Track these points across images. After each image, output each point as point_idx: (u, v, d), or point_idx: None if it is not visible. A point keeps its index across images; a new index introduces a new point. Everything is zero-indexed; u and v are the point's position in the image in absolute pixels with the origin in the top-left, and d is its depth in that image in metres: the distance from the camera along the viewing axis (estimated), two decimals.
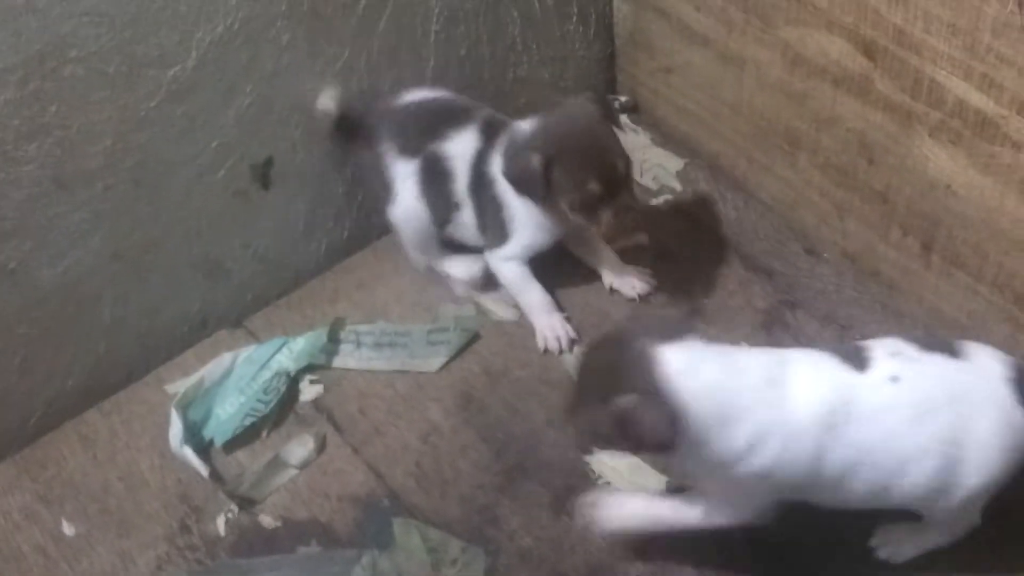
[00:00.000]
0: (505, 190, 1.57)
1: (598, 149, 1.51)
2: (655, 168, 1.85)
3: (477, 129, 1.59)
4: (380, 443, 1.55)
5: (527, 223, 1.60)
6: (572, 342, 1.64)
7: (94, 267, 1.53)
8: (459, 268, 1.69)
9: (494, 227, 1.62)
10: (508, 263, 1.64)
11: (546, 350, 1.63)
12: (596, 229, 1.56)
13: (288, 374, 1.60)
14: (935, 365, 1.24)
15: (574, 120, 1.54)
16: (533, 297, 1.65)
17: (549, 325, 1.64)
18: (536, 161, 1.49)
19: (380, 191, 1.63)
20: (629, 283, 1.68)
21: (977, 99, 1.33)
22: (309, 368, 1.62)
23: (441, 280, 1.71)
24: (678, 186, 1.82)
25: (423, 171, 1.60)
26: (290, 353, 1.62)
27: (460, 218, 1.63)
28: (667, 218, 1.78)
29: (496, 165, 1.57)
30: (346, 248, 1.76)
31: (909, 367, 1.23)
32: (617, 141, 1.53)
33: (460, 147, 1.59)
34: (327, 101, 1.60)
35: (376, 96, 1.64)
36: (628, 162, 1.53)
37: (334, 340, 1.64)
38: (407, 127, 1.60)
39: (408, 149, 1.59)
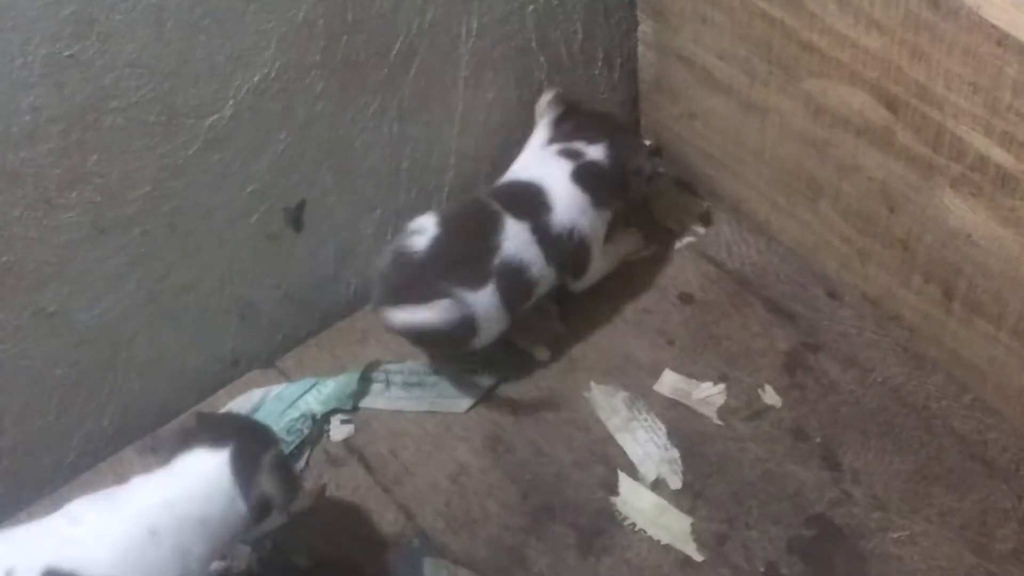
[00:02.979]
0: (581, 219, 1.67)
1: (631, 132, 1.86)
2: (678, 211, 1.88)
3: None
4: (410, 483, 1.58)
5: (598, 234, 1.71)
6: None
7: (130, 310, 1.56)
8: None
9: (579, 264, 1.71)
10: (596, 272, 1.74)
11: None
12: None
13: (314, 416, 1.64)
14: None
15: (609, 116, 1.83)
16: (612, 255, 1.78)
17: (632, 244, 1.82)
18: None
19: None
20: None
21: (998, 155, 1.36)
22: (336, 410, 1.65)
23: None
24: (701, 229, 1.85)
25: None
26: (319, 395, 1.65)
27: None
28: (690, 261, 1.81)
29: (569, 209, 1.66)
30: None
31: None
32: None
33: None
34: (550, 102, 1.73)
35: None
36: None
37: (365, 383, 1.67)
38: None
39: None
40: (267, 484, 1.35)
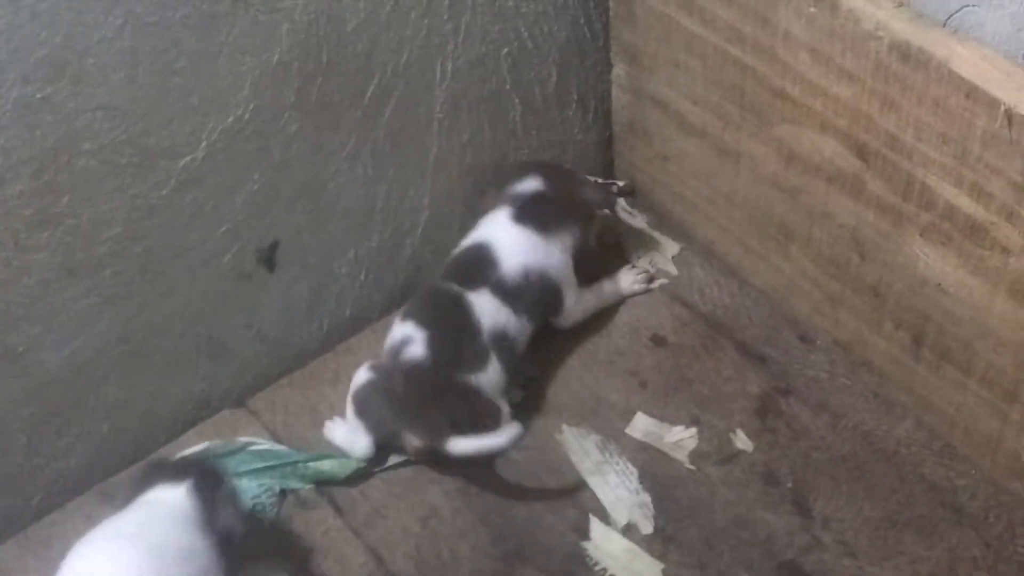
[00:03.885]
0: (533, 257, 1.68)
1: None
2: (651, 253, 1.88)
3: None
4: (381, 525, 1.57)
5: (561, 265, 1.71)
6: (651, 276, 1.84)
7: (100, 350, 1.55)
8: None
9: (550, 302, 1.71)
10: (577, 306, 1.74)
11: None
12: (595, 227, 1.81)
13: (286, 491, 1.61)
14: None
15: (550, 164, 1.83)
16: (606, 290, 1.80)
17: (629, 282, 1.81)
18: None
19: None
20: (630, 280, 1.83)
21: (967, 204, 1.38)
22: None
23: None
24: (673, 270, 1.86)
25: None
26: (303, 473, 1.61)
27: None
28: (662, 303, 1.81)
29: (515, 254, 1.66)
30: (349, 328, 1.79)
31: None
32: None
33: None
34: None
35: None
36: None
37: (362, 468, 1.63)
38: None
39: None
40: (228, 516, 1.39)
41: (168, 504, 1.37)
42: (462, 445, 1.54)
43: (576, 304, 1.74)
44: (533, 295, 1.67)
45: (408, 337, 1.60)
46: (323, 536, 1.56)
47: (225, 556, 1.37)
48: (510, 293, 1.64)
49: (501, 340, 1.62)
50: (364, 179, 1.68)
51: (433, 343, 1.59)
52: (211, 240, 1.58)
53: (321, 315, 1.76)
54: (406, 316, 1.64)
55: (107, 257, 1.49)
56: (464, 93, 1.72)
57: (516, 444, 1.55)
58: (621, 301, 1.81)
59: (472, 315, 1.62)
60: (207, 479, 1.41)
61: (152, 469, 1.45)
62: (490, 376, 1.60)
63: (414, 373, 1.58)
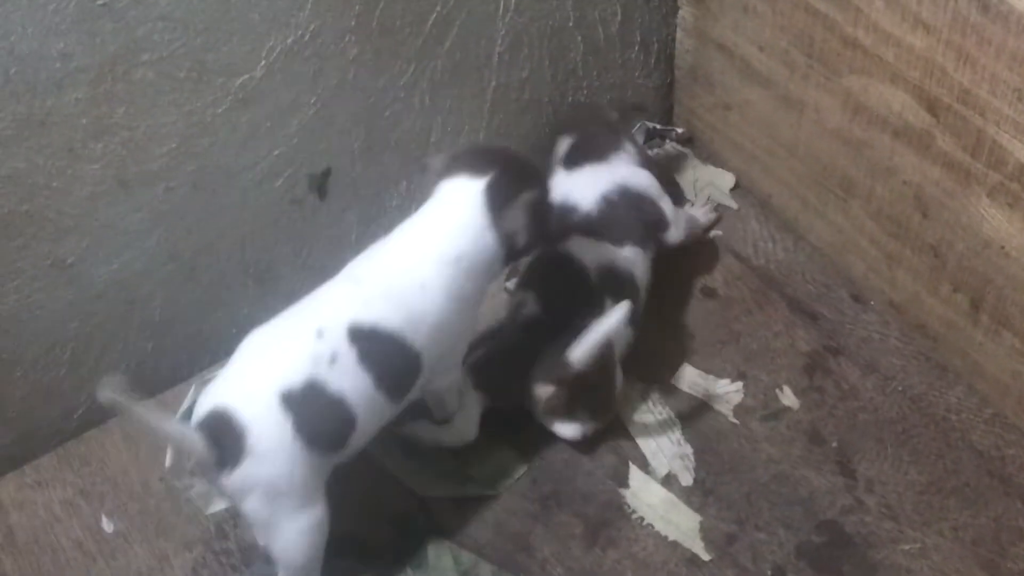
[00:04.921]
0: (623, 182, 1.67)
1: None
2: (708, 187, 1.85)
3: None
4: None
5: (647, 181, 1.69)
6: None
7: (148, 267, 1.55)
8: None
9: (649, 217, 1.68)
10: (678, 218, 1.71)
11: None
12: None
13: None
14: None
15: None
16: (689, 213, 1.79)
17: (702, 213, 1.80)
18: None
19: None
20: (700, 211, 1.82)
21: None
22: None
23: None
24: (733, 204, 1.83)
25: None
26: None
27: None
28: (715, 255, 1.79)
29: None
30: None
31: None
32: None
33: None
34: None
35: None
36: None
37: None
38: None
39: None
40: (516, 222, 1.39)
41: (455, 202, 1.39)
42: (582, 347, 1.48)
43: (676, 216, 1.69)
44: (627, 215, 1.63)
45: (523, 300, 1.58)
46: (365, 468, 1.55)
47: (509, 259, 1.43)
48: (601, 225, 1.61)
49: (609, 278, 1.58)
50: (421, 109, 1.66)
51: (544, 299, 1.56)
52: (264, 163, 1.56)
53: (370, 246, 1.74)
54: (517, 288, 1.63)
55: (160, 173, 1.48)
56: (527, 27, 1.69)
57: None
58: (680, 250, 1.74)
59: (574, 262, 1.58)
60: (514, 177, 1.41)
61: (464, 154, 1.45)
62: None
63: (532, 328, 1.55)
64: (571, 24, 1.73)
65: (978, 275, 1.50)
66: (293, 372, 1.30)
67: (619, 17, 1.77)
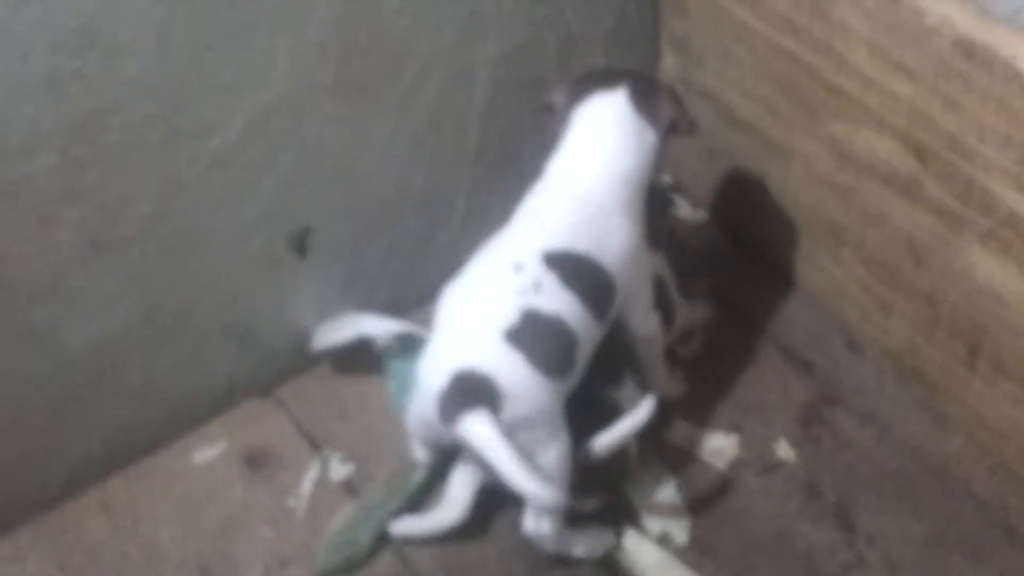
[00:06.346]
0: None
1: None
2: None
3: None
4: None
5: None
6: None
7: (124, 331, 1.51)
8: None
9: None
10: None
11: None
12: None
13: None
14: None
15: None
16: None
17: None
18: None
19: None
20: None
21: None
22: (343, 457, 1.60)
23: None
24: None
25: None
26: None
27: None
28: (703, 303, 1.75)
29: None
30: None
31: None
32: None
33: None
34: None
35: None
36: None
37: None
38: None
39: None
40: (670, 108, 1.45)
41: (612, 106, 1.43)
42: (606, 440, 1.42)
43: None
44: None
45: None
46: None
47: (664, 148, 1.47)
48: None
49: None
50: (400, 163, 1.63)
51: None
52: (241, 222, 1.53)
53: (352, 304, 1.71)
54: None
55: (134, 237, 1.45)
56: (507, 78, 1.66)
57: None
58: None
59: None
60: (645, 80, 1.47)
61: (583, 80, 1.49)
62: None
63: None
64: (553, 73, 1.70)
65: (973, 322, 1.47)
66: (507, 309, 1.34)
67: (602, 66, 1.75)
